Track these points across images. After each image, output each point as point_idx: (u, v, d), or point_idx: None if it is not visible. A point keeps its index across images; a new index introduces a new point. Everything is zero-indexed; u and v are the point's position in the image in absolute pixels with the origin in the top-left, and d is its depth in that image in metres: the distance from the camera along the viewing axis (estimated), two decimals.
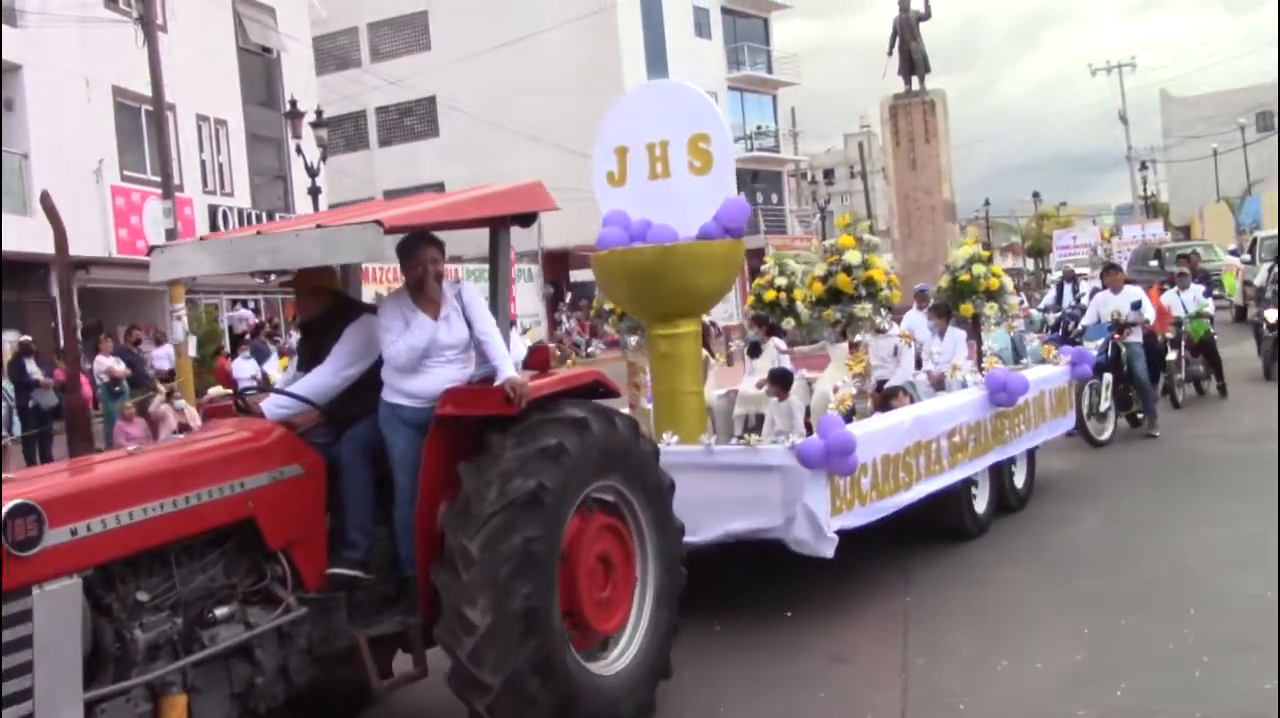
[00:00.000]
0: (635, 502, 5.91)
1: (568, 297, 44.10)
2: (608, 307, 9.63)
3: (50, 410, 17.99)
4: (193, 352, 22.52)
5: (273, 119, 31.07)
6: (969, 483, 9.05)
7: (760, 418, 9.80)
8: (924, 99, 24.24)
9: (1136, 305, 13.24)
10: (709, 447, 7.30)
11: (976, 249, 10.57)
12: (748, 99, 55.48)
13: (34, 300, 23.13)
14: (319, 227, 5.31)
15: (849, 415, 8.47)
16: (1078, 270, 23.68)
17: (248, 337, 25.90)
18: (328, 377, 5.68)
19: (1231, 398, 15.39)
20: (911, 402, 9.22)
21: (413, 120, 49.39)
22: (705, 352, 9.94)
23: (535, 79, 43.55)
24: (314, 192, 26.61)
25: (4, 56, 22.66)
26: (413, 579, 5.42)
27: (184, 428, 16.55)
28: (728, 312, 24.23)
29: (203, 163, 29.08)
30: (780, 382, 9.48)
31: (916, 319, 12.56)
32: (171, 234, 21.74)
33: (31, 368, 18.21)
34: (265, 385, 7.67)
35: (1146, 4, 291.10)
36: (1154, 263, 31.34)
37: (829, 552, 7.06)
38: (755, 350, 10.77)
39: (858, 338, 8.80)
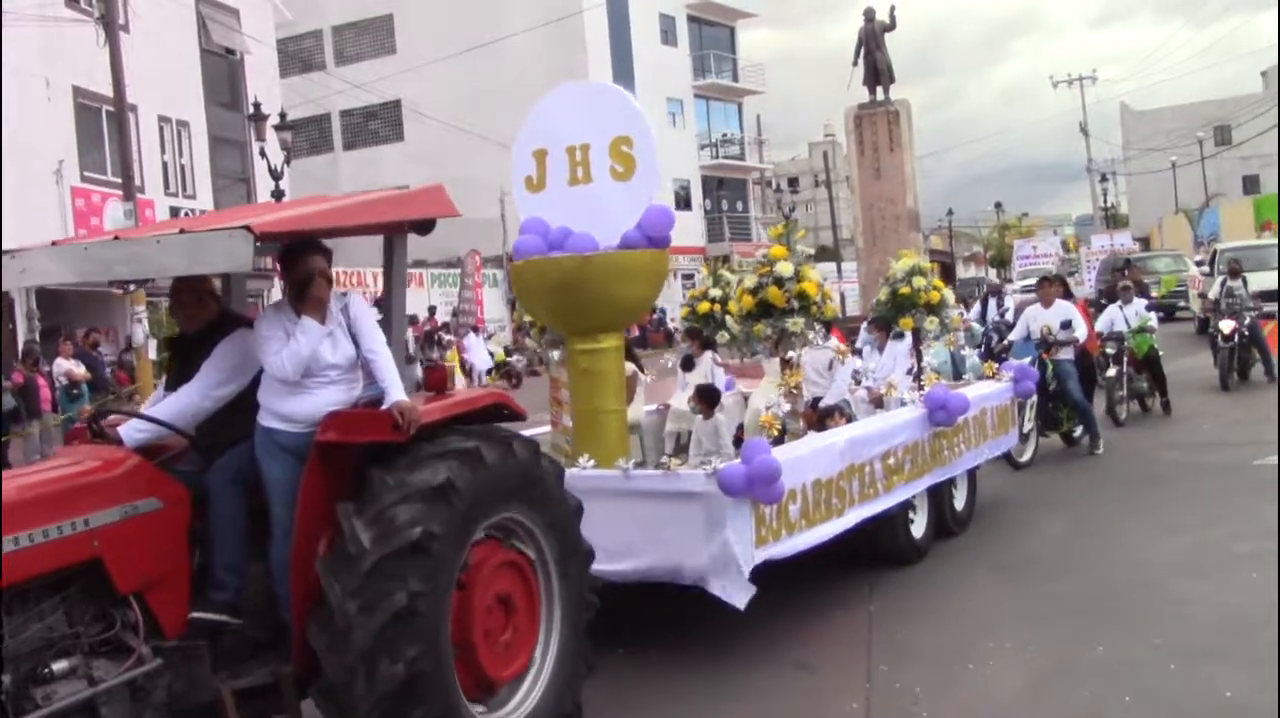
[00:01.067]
0: (538, 532, 5.42)
1: None
2: (529, 319, 9.15)
3: (10, 414, 17.75)
4: (153, 354, 22.30)
5: (236, 121, 30.84)
6: (907, 506, 8.66)
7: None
8: (888, 109, 24.42)
9: (1067, 324, 12.68)
10: (626, 471, 6.77)
11: (917, 261, 10.07)
12: (713, 107, 55.65)
13: None
14: (182, 232, 4.67)
15: (781, 436, 8.19)
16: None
17: None
18: (195, 397, 5.16)
19: (1190, 408, 15.50)
20: (848, 421, 8.80)
21: (377, 124, 49.21)
22: (633, 366, 9.53)
23: (501, 84, 43.43)
24: (277, 194, 26.40)
25: None
26: (289, 624, 4.88)
27: None
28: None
29: (165, 164, 28.81)
30: (706, 399, 9.01)
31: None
32: None
33: None
34: (129, 410, 6.87)
35: (1108, 17, 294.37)
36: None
37: (742, 602, 6.50)
38: (688, 364, 10.39)
39: (790, 353, 8.38)
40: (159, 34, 26.85)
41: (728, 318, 9.06)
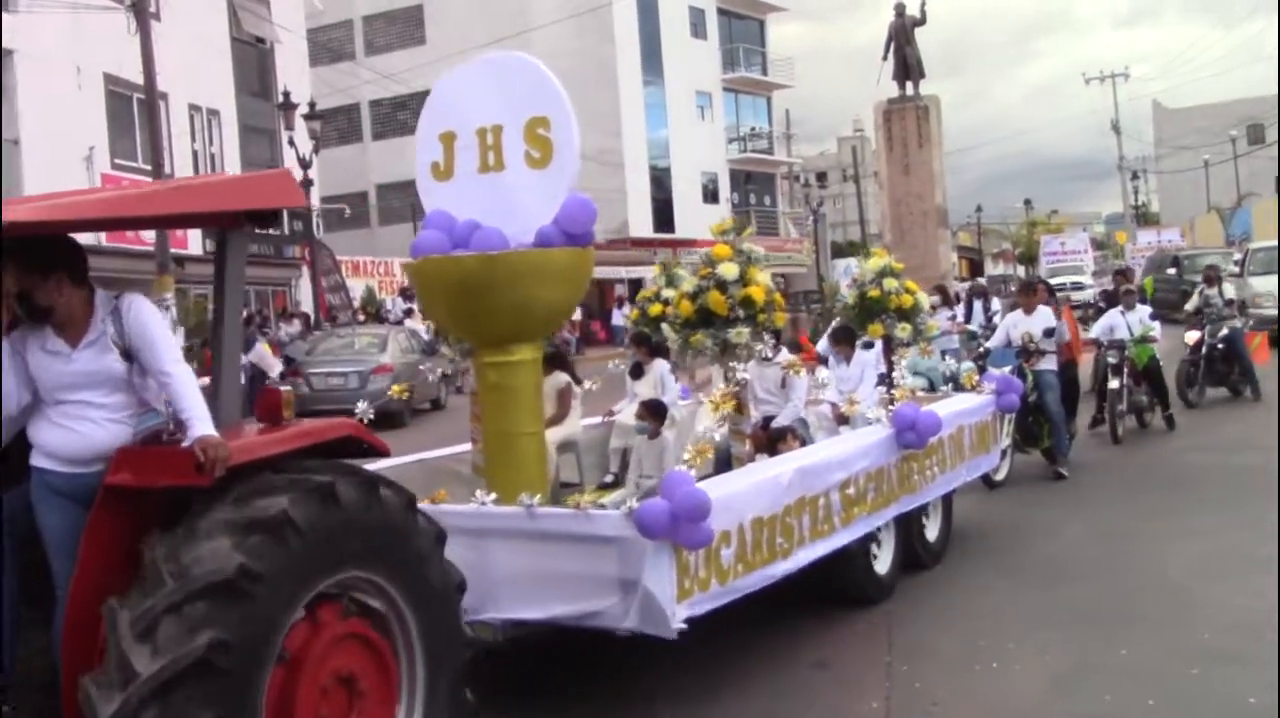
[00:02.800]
0: (390, 586, 4.36)
1: None
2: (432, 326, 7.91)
3: None
4: (181, 343, 22.44)
5: (266, 110, 31.00)
6: (869, 539, 7.57)
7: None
8: (918, 104, 24.32)
9: (1050, 332, 11.83)
10: (530, 508, 5.70)
11: (887, 261, 9.17)
12: (742, 100, 55.53)
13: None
14: None
15: (726, 461, 7.39)
16: (1076, 279, 23.11)
17: None
18: None
19: (1204, 413, 15.32)
20: (803, 444, 7.94)
21: (406, 115, 49.12)
22: (566, 377, 8.73)
23: None
24: (306, 184, 26.56)
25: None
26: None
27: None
28: None
29: (194, 153, 28.97)
30: (654, 414, 7.97)
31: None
32: None
33: None
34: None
35: (1138, 16, 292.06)
36: (1172, 270, 29.47)
37: (672, 633, 5.52)
38: (637, 372, 9.39)
39: (736, 366, 7.30)
40: (190, 22, 26.97)
41: (663, 325, 8.04)
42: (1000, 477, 11.03)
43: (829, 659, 6.78)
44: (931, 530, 8.66)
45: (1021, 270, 69.23)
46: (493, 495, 5.90)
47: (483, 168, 6.57)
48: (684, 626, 5.53)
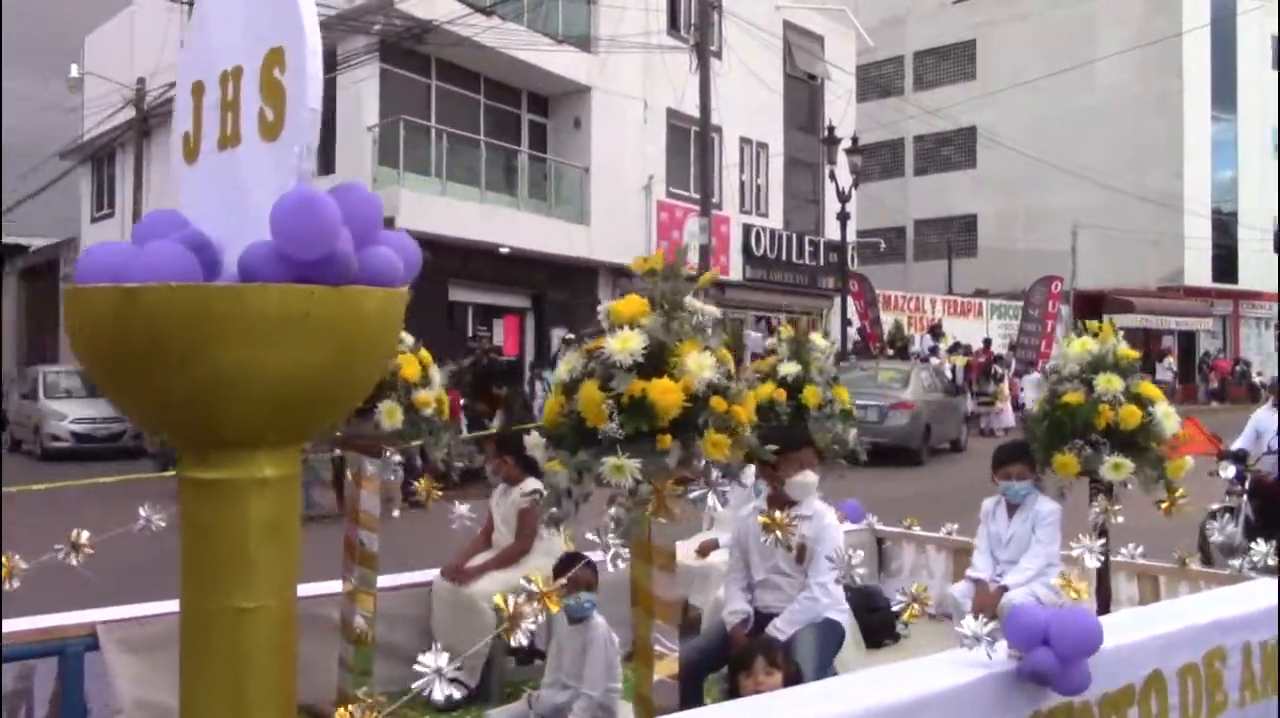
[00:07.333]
0: None
1: None
2: None
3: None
4: None
5: (810, 144, 31.86)
6: None
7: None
8: None
9: None
10: None
11: (1111, 343, 5.36)
12: None
13: (586, 304, 25.16)
14: None
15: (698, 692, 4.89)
16: None
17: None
18: None
19: None
20: (790, 675, 4.38)
21: (950, 150, 48.80)
22: (538, 485, 5.58)
23: (1083, 112, 41.56)
24: (843, 217, 26.98)
25: (576, 79, 24.96)
26: None
27: None
28: None
29: (741, 183, 30.33)
30: (573, 578, 4.66)
31: (1266, 419, 9.19)
32: (706, 250, 22.87)
33: None
34: None
35: None
36: None
37: None
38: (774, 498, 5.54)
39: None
40: (747, 60, 28.30)
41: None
42: None
43: None
44: None
45: None
46: None
47: (221, 139, 3.16)
48: None
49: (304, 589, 5.08)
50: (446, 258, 20.14)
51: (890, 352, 30.51)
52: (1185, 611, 4.57)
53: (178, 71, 3.32)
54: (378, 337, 2.68)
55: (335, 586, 5.26)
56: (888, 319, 33.26)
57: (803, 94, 32.96)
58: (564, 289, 25.33)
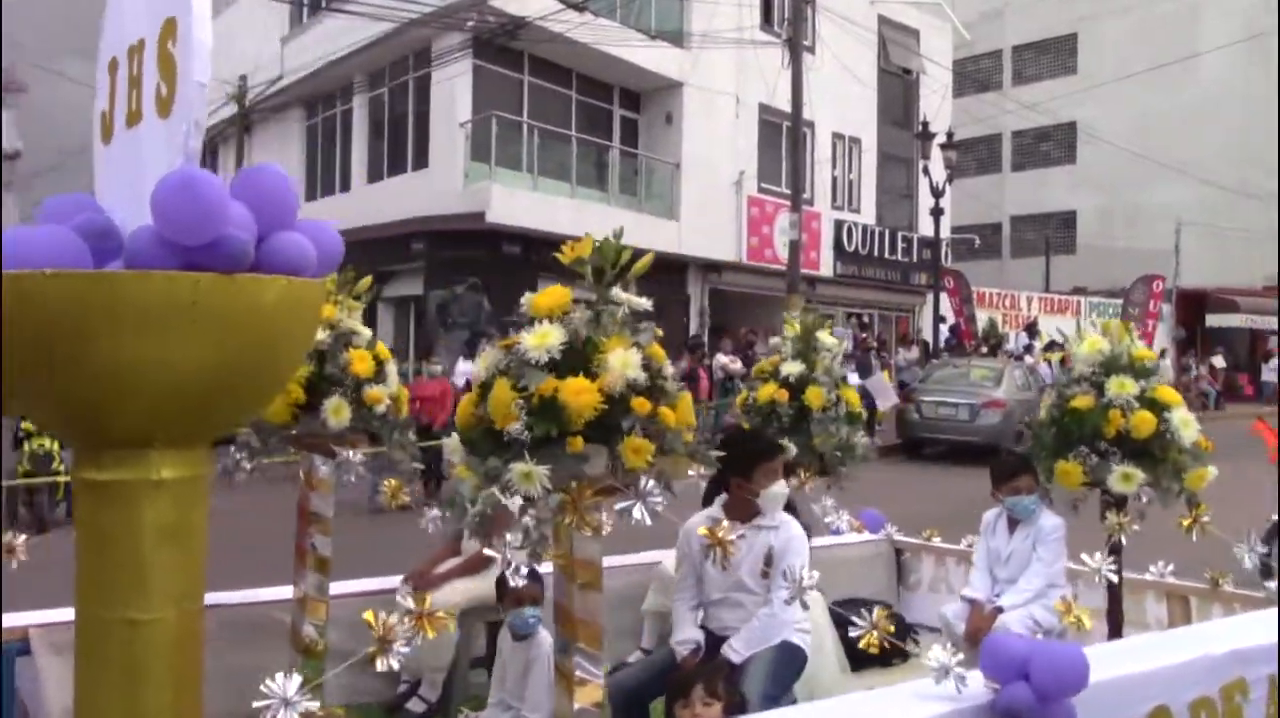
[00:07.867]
0: None
1: (1198, 343, 40.61)
2: None
3: None
4: None
5: (904, 139, 31.52)
6: None
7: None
8: None
9: None
10: None
11: (1127, 344, 4.88)
12: None
13: (675, 299, 25.19)
14: None
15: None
16: None
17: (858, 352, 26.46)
18: None
19: None
20: (734, 708, 4.03)
21: (1049, 146, 47.89)
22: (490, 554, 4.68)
23: (1187, 108, 40.51)
24: (936, 212, 26.67)
25: (668, 74, 25.00)
26: None
27: None
28: None
29: (834, 179, 30.11)
30: (515, 593, 4.68)
31: None
32: (796, 246, 22.77)
33: None
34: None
35: None
36: None
37: None
38: (712, 493, 5.03)
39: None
40: (840, 54, 28.10)
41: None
42: None
43: None
44: None
45: None
46: None
47: (128, 116, 2.90)
48: None
49: (259, 594, 5.21)
50: (537, 252, 20.32)
51: (984, 349, 30.09)
52: (1200, 638, 4.13)
53: (98, 49, 3.05)
54: (280, 329, 2.41)
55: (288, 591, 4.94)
56: (982, 316, 32.81)
57: (897, 89, 32.61)
58: (653, 284, 25.31)
